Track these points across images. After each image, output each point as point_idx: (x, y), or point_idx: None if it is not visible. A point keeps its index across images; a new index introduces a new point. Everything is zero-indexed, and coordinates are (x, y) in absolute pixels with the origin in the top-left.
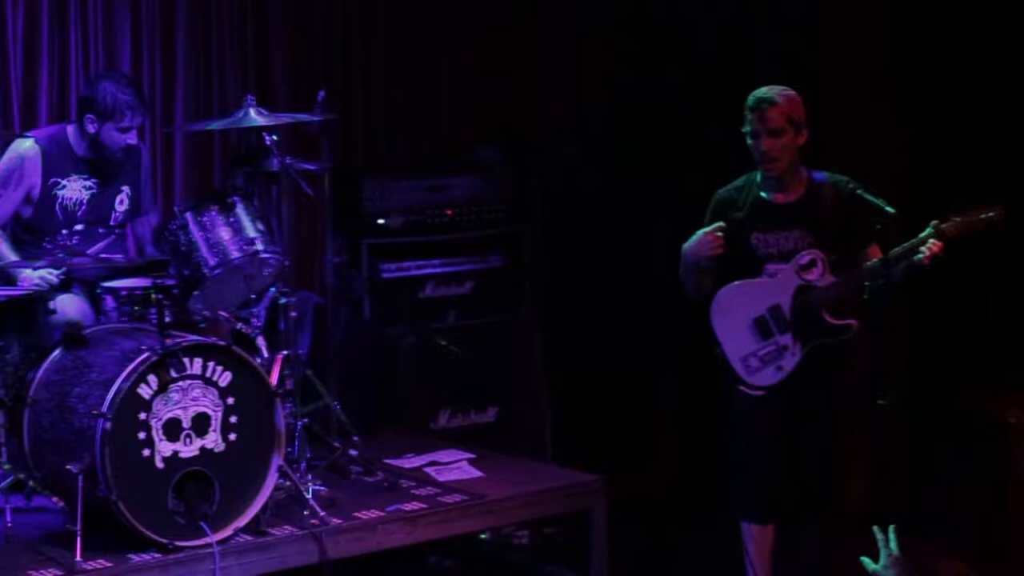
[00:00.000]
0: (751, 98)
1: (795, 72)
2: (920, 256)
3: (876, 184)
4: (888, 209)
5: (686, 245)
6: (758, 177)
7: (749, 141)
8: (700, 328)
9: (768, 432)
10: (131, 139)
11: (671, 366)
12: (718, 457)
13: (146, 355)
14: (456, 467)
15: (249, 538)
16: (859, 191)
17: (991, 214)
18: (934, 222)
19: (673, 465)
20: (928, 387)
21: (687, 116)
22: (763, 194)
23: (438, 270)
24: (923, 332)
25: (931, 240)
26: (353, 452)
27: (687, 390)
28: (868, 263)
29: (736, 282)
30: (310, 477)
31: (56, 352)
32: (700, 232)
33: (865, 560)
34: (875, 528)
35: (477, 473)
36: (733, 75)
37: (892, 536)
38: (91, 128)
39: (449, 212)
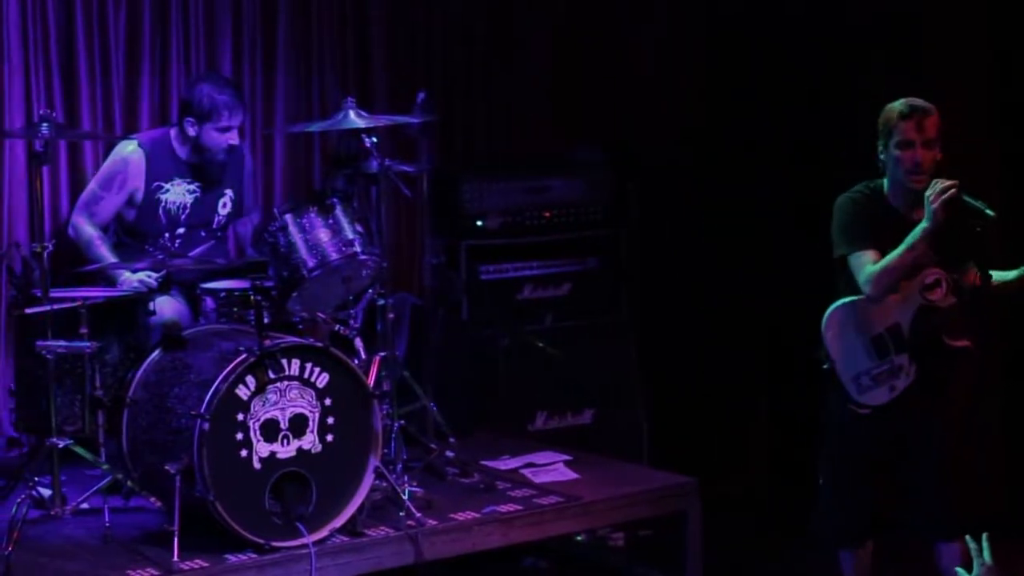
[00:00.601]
0: (902, 107)
1: (894, 78)
2: None
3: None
4: (988, 212)
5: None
6: (885, 188)
7: (896, 152)
8: (803, 338)
9: (873, 450)
10: (232, 139)
11: (767, 370)
12: (812, 465)
13: (244, 356)
14: (552, 469)
15: (345, 539)
16: (960, 194)
17: None
18: None
19: (768, 470)
20: None
21: (787, 119)
22: (898, 208)
23: (536, 272)
24: (1019, 338)
25: None
26: (449, 454)
27: (782, 395)
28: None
29: (855, 298)
30: (406, 478)
31: (155, 353)
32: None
33: (959, 571)
34: (968, 537)
35: (573, 475)
36: (833, 79)
37: (986, 545)
38: (191, 131)
39: (547, 214)
